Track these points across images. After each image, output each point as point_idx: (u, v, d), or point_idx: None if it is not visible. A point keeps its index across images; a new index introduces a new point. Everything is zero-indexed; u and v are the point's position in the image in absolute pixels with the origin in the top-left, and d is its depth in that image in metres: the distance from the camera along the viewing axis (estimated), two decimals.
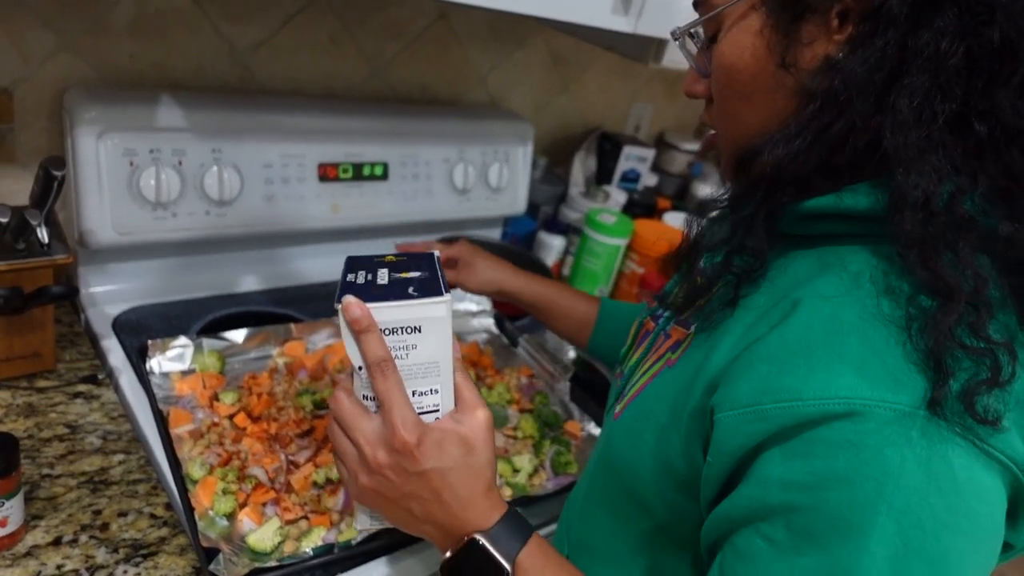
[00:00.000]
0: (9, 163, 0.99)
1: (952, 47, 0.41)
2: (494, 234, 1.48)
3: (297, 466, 0.84)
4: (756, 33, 0.48)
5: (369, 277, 0.58)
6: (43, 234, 0.82)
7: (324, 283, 1.24)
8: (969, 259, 0.41)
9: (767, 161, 0.47)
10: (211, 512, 0.76)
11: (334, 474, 0.83)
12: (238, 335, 1.01)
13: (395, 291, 0.55)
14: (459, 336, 1.17)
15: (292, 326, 1.06)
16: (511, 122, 1.38)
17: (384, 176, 1.22)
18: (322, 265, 1.25)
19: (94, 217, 0.97)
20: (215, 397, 0.91)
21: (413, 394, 0.56)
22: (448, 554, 0.56)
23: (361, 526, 0.62)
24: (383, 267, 0.60)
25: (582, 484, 0.71)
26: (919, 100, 0.41)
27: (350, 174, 1.18)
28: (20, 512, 0.69)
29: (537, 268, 1.39)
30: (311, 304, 1.17)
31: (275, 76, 1.17)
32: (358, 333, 0.53)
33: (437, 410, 0.57)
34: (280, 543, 0.75)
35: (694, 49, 0.56)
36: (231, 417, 0.89)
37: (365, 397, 0.57)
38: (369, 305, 0.53)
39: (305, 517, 0.79)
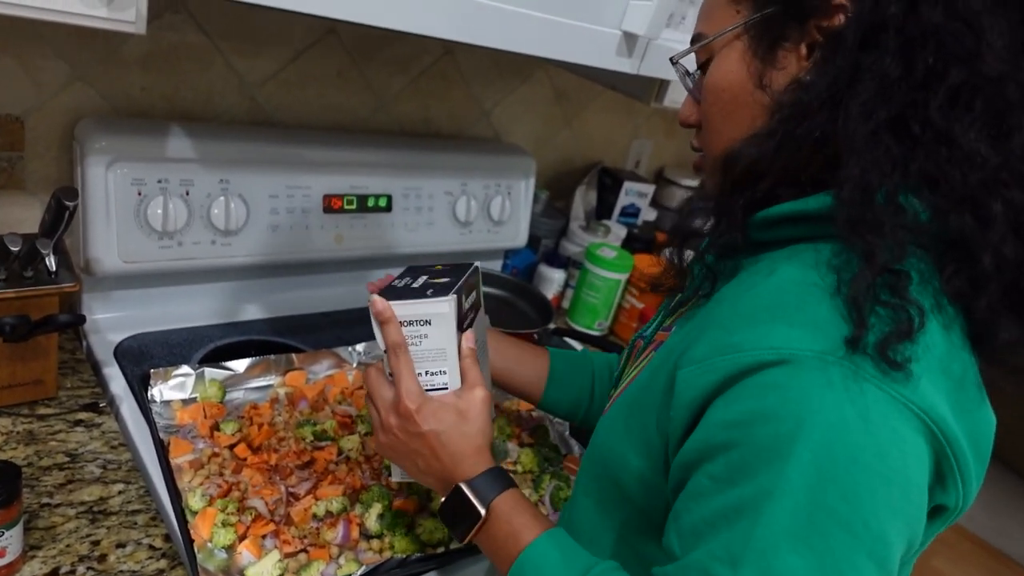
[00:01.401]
0: (19, 191, 1.00)
1: (894, 63, 0.49)
2: (495, 266, 1.49)
3: (297, 498, 0.84)
4: (739, 60, 0.57)
5: (408, 281, 0.74)
6: (51, 262, 0.83)
7: (327, 313, 1.24)
8: (894, 235, 0.48)
9: (743, 160, 0.55)
10: (210, 544, 0.76)
11: (334, 507, 0.83)
12: (240, 364, 1.01)
13: (418, 293, 0.70)
14: None
15: (294, 356, 1.06)
16: (513, 156, 1.40)
17: (388, 208, 1.24)
18: (325, 295, 1.26)
19: (101, 245, 0.98)
20: (216, 427, 0.91)
21: (426, 374, 0.70)
22: (443, 500, 0.68)
23: (395, 478, 0.76)
24: (425, 274, 0.76)
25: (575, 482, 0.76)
26: (867, 104, 0.49)
27: (355, 206, 1.20)
28: (19, 542, 0.69)
29: (537, 301, 1.40)
30: (313, 334, 1.17)
31: (283, 109, 1.19)
32: (380, 324, 0.69)
33: (446, 387, 0.70)
34: None
35: (690, 83, 0.65)
36: (232, 447, 0.89)
37: (390, 374, 0.70)
38: (391, 302, 0.68)
39: (304, 550, 0.79)
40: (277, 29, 1.12)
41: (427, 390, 0.70)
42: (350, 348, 1.12)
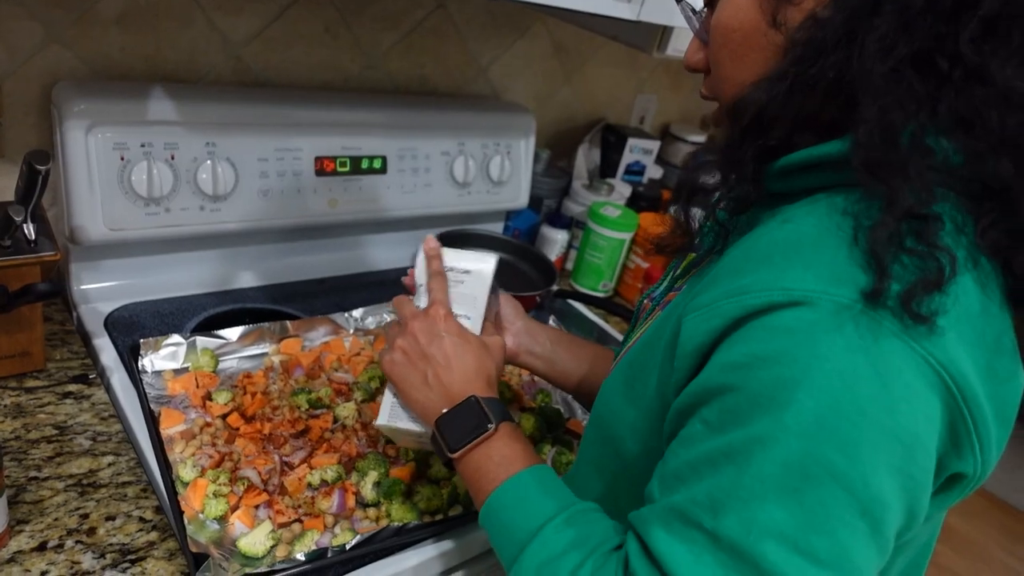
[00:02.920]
0: None
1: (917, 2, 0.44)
2: (496, 228, 1.45)
3: (291, 467, 0.82)
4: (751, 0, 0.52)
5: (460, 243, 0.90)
6: (29, 231, 0.80)
7: (322, 279, 1.21)
8: (920, 177, 0.44)
9: (752, 106, 0.50)
10: (201, 515, 0.74)
11: (329, 475, 0.81)
12: (233, 333, 0.99)
13: (466, 247, 0.82)
14: None
15: (288, 323, 1.04)
16: (512, 114, 1.36)
17: (383, 170, 1.20)
18: (320, 260, 1.23)
19: (84, 213, 0.95)
20: (208, 396, 0.89)
21: (455, 313, 0.74)
22: (444, 410, 0.67)
23: (381, 421, 0.74)
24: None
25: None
26: (886, 39, 0.44)
27: (348, 168, 1.16)
28: (4, 516, 0.67)
29: (540, 262, 1.37)
30: (308, 300, 1.15)
31: (270, 68, 1.15)
32: (428, 257, 0.77)
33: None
34: (272, 547, 0.73)
35: (696, 24, 0.60)
36: (224, 417, 0.87)
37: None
38: (443, 248, 0.79)
39: (299, 520, 0.77)
40: None
41: None
42: (346, 314, 1.09)
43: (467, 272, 0.77)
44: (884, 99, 0.44)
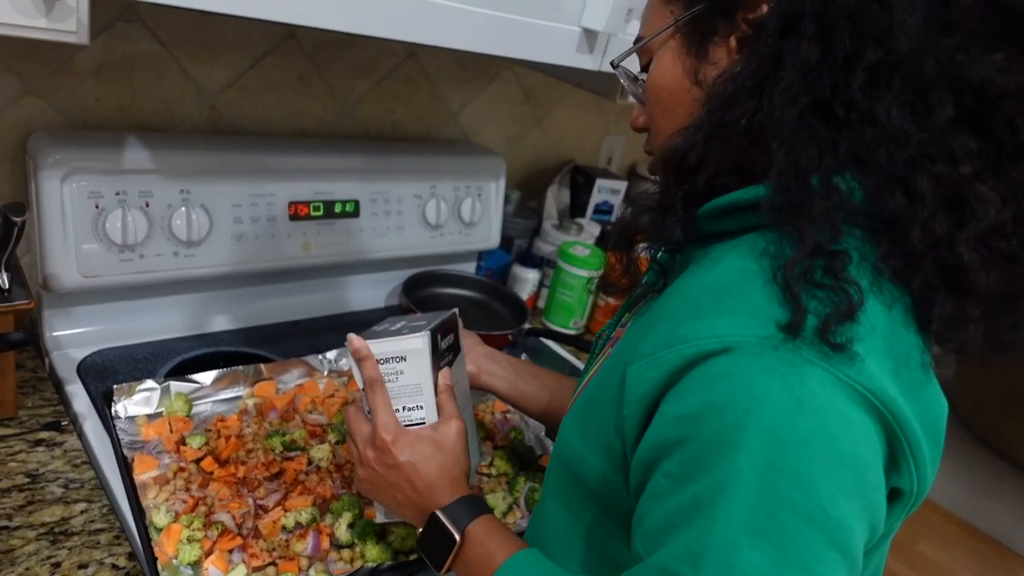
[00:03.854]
0: None
1: (813, 48, 0.49)
2: (468, 268, 1.48)
3: (266, 510, 0.83)
4: (674, 58, 0.58)
5: (387, 326, 0.79)
6: (3, 279, 0.81)
7: (296, 321, 1.22)
8: (825, 216, 0.47)
9: (674, 152, 0.55)
10: (175, 561, 0.74)
11: (303, 518, 0.81)
12: (206, 377, 1.00)
13: (394, 333, 0.74)
14: None
15: (263, 366, 1.05)
16: (483, 157, 1.39)
17: (356, 213, 1.22)
18: (294, 303, 1.24)
19: (59, 261, 0.96)
20: (182, 441, 0.90)
21: (403, 409, 0.73)
22: (419, 530, 0.69)
23: (380, 519, 0.77)
24: (405, 319, 0.81)
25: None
26: (790, 89, 0.49)
27: (321, 212, 1.18)
28: None
29: (511, 301, 1.40)
30: (282, 343, 1.16)
31: (244, 116, 1.17)
32: (357, 361, 0.72)
33: (423, 422, 0.73)
34: None
35: (635, 88, 0.66)
36: (198, 461, 0.87)
37: (369, 411, 0.73)
38: (368, 341, 0.72)
39: (273, 563, 0.77)
40: (234, 36, 1.10)
41: (405, 425, 0.72)
42: (320, 356, 1.10)
43: (402, 359, 0.72)
44: (790, 144, 0.49)
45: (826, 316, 0.45)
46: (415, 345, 0.72)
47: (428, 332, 0.72)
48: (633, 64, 0.65)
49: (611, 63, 0.67)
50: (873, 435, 0.46)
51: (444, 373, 0.74)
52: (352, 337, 0.72)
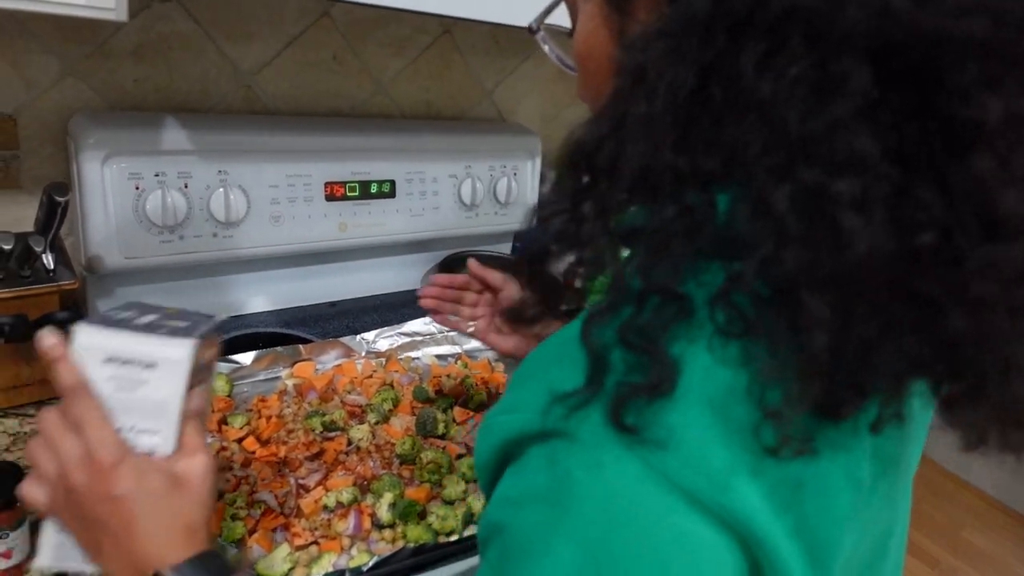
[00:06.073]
0: (15, 189, 0.99)
1: (702, 8, 0.35)
2: (504, 249, 1.47)
3: (307, 490, 0.83)
4: (599, 16, 0.45)
5: (132, 316, 0.56)
6: (48, 260, 0.82)
7: (333, 302, 1.23)
8: (645, 260, 0.37)
9: (578, 150, 0.40)
10: (220, 539, 0.75)
11: (345, 497, 0.81)
12: (246, 357, 1.00)
13: (145, 329, 0.54)
14: (469, 355, 1.16)
15: (301, 347, 1.05)
16: (518, 136, 1.37)
17: (391, 193, 1.22)
18: (331, 284, 1.24)
19: (101, 242, 0.97)
20: (224, 421, 0.90)
21: (131, 430, 0.53)
22: None
23: (44, 562, 0.54)
24: (155, 313, 0.58)
25: None
26: (665, 59, 0.36)
27: (357, 192, 1.18)
28: (26, 543, 0.68)
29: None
30: (320, 324, 1.16)
31: (279, 96, 1.17)
32: (50, 361, 0.51)
33: (152, 453, 0.53)
34: (290, 570, 0.73)
35: (560, 53, 0.54)
36: (240, 441, 0.88)
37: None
38: (107, 331, 0.52)
39: (315, 542, 0.77)
40: (269, 15, 1.10)
41: None
42: (358, 337, 1.10)
43: (151, 366, 0.52)
44: (634, 139, 0.37)
45: (623, 389, 0.35)
46: (174, 354, 0.53)
47: (195, 340, 0.53)
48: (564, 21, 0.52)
49: (528, 28, 0.54)
50: (725, 557, 0.35)
51: (198, 393, 0.55)
52: (44, 334, 0.51)
